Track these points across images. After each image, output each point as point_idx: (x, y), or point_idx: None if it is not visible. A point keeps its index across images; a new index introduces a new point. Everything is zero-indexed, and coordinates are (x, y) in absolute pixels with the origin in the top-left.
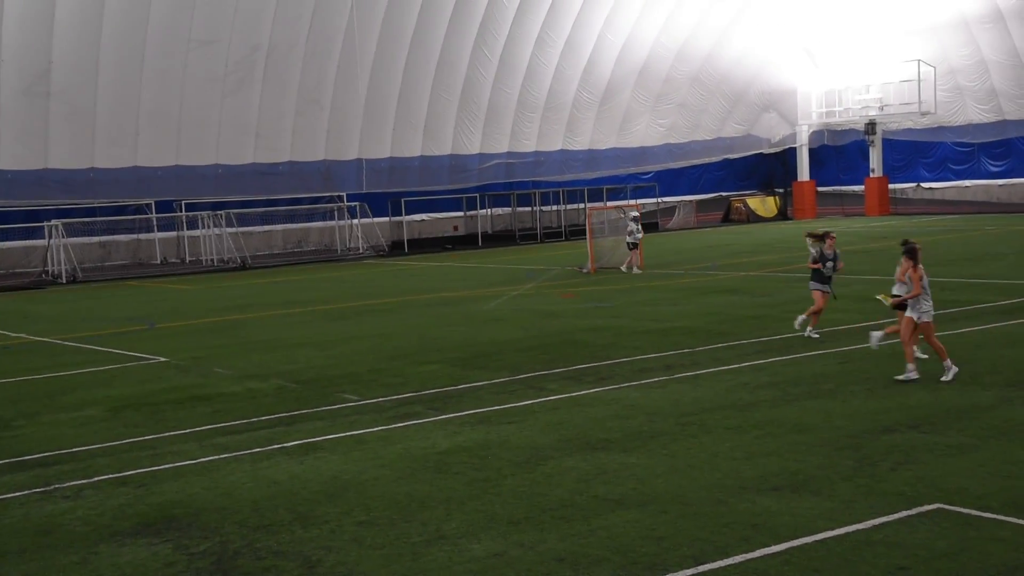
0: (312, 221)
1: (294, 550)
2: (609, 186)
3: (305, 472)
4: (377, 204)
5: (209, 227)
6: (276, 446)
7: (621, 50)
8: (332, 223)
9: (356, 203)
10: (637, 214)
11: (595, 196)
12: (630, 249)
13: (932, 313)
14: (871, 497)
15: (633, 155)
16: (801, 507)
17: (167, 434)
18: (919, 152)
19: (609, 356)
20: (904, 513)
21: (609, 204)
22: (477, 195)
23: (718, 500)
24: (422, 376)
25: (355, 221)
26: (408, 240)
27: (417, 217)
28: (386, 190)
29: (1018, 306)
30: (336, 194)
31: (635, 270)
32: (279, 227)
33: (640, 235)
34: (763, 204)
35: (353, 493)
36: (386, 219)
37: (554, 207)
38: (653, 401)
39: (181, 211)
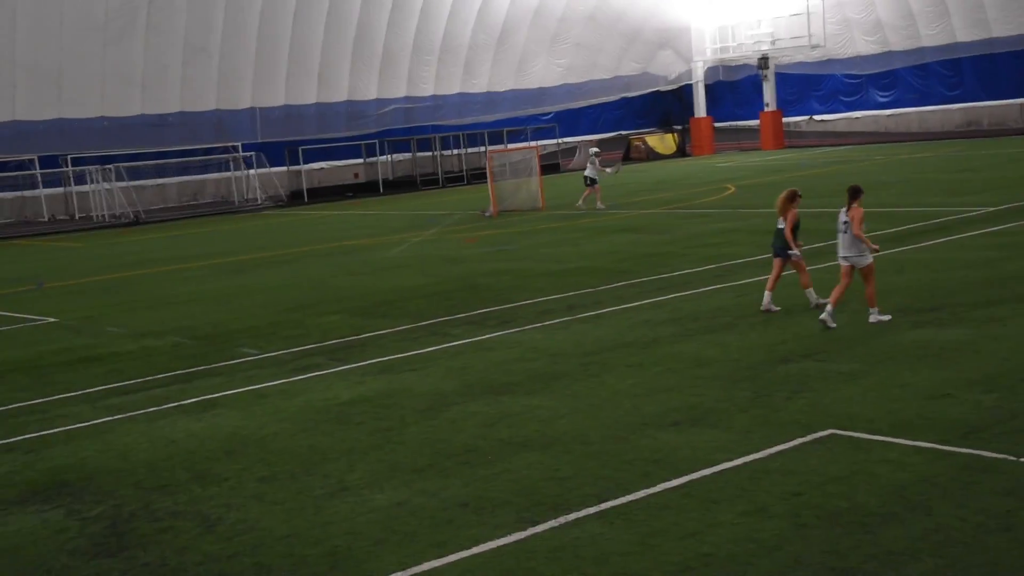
0: (207, 173)
1: (192, 509)
2: (509, 128)
3: (203, 430)
4: (273, 153)
5: (98, 182)
6: (173, 404)
7: None
8: (228, 174)
9: (251, 153)
10: (597, 150)
11: (495, 139)
12: (587, 185)
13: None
14: (767, 427)
15: (532, 96)
16: (700, 440)
17: (57, 397)
18: (810, 85)
19: (511, 299)
20: (799, 440)
21: (511, 147)
22: (376, 141)
23: (620, 438)
24: (323, 327)
25: (251, 172)
26: (307, 189)
27: (315, 166)
28: (282, 139)
29: (905, 233)
30: (230, 144)
31: (599, 205)
32: (173, 180)
33: (608, 172)
34: (662, 141)
35: (253, 449)
36: (283, 169)
37: (455, 151)
38: (556, 342)
39: (67, 166)
